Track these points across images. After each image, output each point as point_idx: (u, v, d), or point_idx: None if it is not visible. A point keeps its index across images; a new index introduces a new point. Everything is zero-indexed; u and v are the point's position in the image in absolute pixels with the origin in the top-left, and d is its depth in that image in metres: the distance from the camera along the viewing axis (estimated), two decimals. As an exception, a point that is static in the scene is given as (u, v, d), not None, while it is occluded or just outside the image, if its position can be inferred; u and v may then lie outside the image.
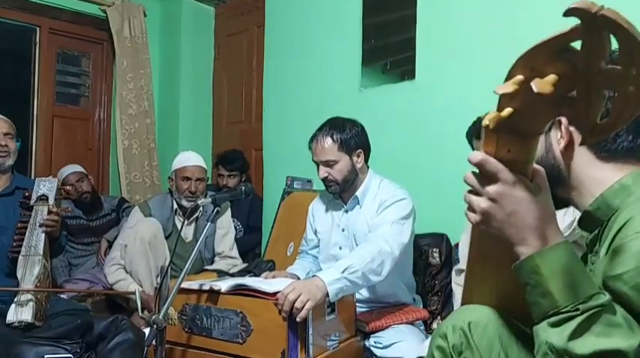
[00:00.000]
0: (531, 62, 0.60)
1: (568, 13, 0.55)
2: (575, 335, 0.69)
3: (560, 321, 0.70)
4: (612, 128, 0.62)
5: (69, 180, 3.11)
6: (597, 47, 0.56)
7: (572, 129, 0.85)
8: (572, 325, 0.69)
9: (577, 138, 0.85)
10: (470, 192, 0.74)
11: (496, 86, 0.63)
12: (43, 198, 2.09)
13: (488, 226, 0.73)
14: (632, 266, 0.71)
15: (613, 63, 0.58)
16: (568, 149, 0.86)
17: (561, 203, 0.93)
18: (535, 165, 0.73)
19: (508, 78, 0.63)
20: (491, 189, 0.71)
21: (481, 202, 0.72)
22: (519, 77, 0.61)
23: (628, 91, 0.57)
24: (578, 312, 0.69)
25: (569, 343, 0.69)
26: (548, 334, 0.71)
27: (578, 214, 1.57)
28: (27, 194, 2.09)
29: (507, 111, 0.63)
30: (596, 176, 0.85)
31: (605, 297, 0.71)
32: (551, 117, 0.65)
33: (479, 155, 0.70)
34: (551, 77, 0.59)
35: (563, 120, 0.84)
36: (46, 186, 2.13)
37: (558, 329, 0.70)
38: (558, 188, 0.89)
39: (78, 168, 3.21)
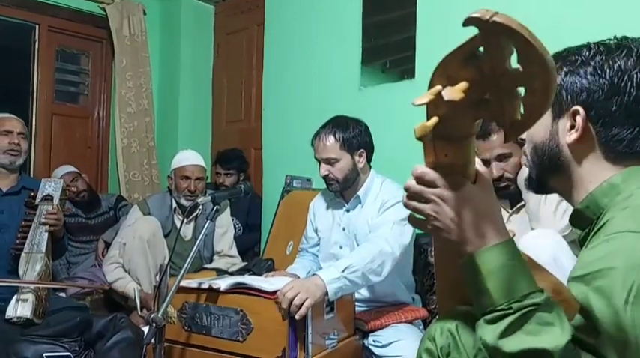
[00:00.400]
0: (446, 71, 0.65)
1: (466, 23, 0.59)
2: (506, 333, 0.70)
3: (495, 319, 0.71)
4: (526, 124, 0.64)
5: (64, 181, 3.11)
6: (497, 51, 0.60)
7: (589, 127, 0.82)
8: (504, 323, 0.70)
9: (591, 136, 0.83)
10: (409, 198, 0.78)
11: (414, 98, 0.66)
12: (48, 198, 2.12)
13: (438, 230, 0.77)
14: (595, 268, 0.70)
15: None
16: (580, 143, 0.83)
17: (547, 189, 0.93)
18: (478, 167, 0.76)
19: (429, 87, 0.67)
20: (434, 192, 0.75)
21: (427, 208, 0.76)
22: (437, 87, 0.65)
23: (534, 89, 0.61)
24: (512, 311, 0.70)
25: (499, 341, 0.70)
26: (483, 331, 0.73)
27: None
28: (33, 194, 2.12)
29: (433, 120, 0.67)
30: (597, 175, 0.83)
31: (542, 296, 0.71)
32: (474, 120, 0.69)
33: (418, 168, 0.75)
34: (462, 84, 0.63)
35: (581, 111, 0.82)
36: (51, 187, 2.16)
37: (492, 326, 0.71)
38: (554, 177, 0.88)
39: (71, 168, 3.20)
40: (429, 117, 0.68)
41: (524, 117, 0.63)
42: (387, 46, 2.78)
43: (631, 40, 0.83)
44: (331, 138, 1.97)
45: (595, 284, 0.70)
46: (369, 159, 2.07)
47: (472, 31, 0.61)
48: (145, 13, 3.95)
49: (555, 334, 0.68)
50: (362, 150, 2.01)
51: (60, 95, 3.85)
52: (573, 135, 0.83)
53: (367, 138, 2.04)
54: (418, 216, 0.79)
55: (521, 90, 0.62)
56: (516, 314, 0.69)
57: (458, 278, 0.82)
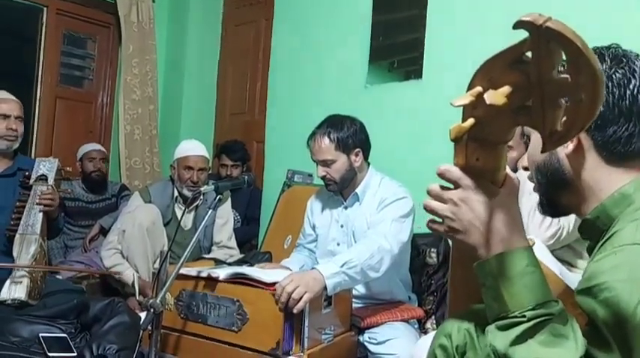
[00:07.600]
0: (489, 73, 0.63)
1: (517, 26, 0.57)
2: (517, 341, 0.68)
3: (507, 326, 0.70)
4: (568, 135, 0.63)
5: (91, 154, 3.22)
6: (546, 58, 0.58)
7: (582, 134, 0.80)
8: (516, 331, 0.69)
9: (587, 142, 0.81)
10: (429, 199, 0.76)
11: (453, 99, 0.65)
12: (43, 178, 2.11)
13: (454, 232, 0.75)
14: (602, 280, 0.68)
15: (565, 72, 0.59)
16: (576, 153, 0.82)
17: (562, 210, 0.90)
18: (508, 171, 0.75)
19: (469, 89, 0.65)
20: (454, 193, 0.73)
21: (445, 209, 0.74)
22: (477, 89, 0.64)
23: (579, 99, 0.59)
24: (525, 319, 0.68)
25: (510, 348, 0.68)
26: (494, 337, 0.71)
27: (564, 224, 1.55)
28: (27, 174, 2.11)
29: (469, 122, 0.66)
30: (605, 182, 0.81)
31: (557, 306, 0.69)
32: (512, 126, 0.68)
33: (442, 166, 0.74)
34: (505, 89, 0.62)
35: None
36: (46, 167, 2.14)
37: (504, 333, 0.70)
38: (563, 193, 0.85)
39: (101, 147, 3.38)
40: (464, 119, 0.67)
41: (566, 128, 0.62)
42: (395, 45, 2.78)
43: (600, 47, 0.82)
44: (326, 140, 1.97)
45: (602, 296, 0.68)
46: (365, 157, 2.06)
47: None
48: (153, 0, 3.94)
49: (569, 348, 0.67)
50: (358, 149, 2.01)
51: (65, 79, 3.85)
52: (569, 146, 0.82)
53: (362, 137, 2.04)
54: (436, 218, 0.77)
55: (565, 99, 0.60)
56: (530, 323, 0.68)
57: (473, 281, 0.82)
